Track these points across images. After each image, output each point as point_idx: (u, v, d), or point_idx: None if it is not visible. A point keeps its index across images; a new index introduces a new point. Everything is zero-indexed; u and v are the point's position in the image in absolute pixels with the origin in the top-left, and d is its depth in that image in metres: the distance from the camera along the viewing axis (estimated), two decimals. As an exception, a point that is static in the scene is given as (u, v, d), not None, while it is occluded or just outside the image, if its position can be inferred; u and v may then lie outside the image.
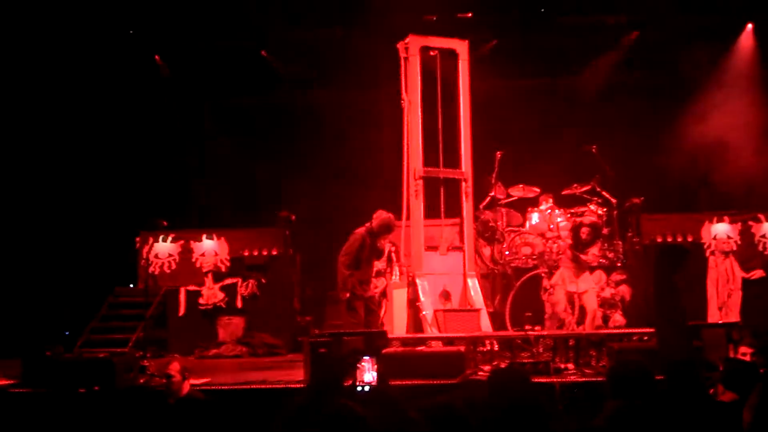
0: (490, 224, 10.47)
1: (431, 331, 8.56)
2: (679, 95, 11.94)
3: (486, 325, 8.91)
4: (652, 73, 12.27)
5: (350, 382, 4.49)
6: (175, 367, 6.07)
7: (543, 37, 12.07)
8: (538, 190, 10.94)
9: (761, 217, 10.84)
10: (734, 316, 9.79)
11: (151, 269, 11.27)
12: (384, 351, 7.40)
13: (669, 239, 10.80)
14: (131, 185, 12.15)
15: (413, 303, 8.98)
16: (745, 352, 6.06)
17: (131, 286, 11.50)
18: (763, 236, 10.79)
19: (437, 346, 8.16)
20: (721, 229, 10.80)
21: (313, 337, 8.07)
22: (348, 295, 8.64)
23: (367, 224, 8.93)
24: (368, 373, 4.34)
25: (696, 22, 11.53)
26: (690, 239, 10.80)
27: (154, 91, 12.54)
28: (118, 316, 10.90)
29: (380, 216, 8.87)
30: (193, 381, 7.15)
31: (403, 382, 6.83)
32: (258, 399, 7.13)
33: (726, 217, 10.86)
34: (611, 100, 12.25)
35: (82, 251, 11.60)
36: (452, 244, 9.58)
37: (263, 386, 7.45)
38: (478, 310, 8.95)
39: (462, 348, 7.70)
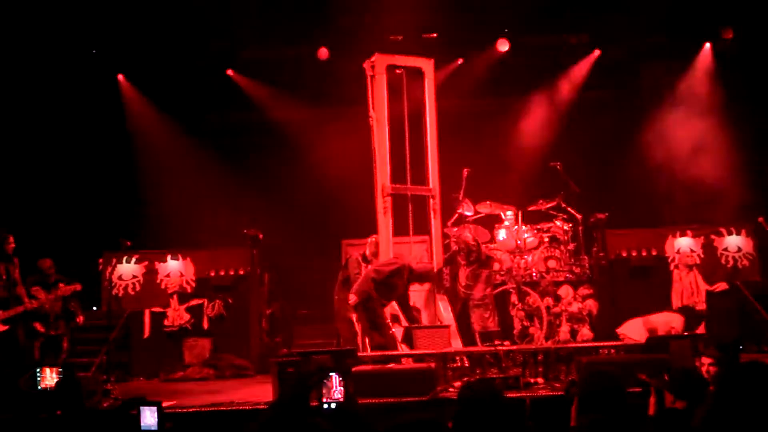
0: (471, 243, 10.14)
1: (401, 349, 8.51)
2: (642, 112, 12.18)
3: (456, 341, 8.89)
4: (615, 91, 12.49)
5: (316, 400, 4.41)
6: None
7: (507, 56, 12.23)
8: (505, 206, 10.98)
9: (723, 230, 11.06)
10: (699, 328, 9.92)
11: (114, 291, 11.04)
12: (354, 369, 7.35)
13: (633, 253, 10.94)
14: (92, 206, 11.92)
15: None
16: (703, 363, 6.15)
17: (94, 308, 11.25)
18: (726, 249, 11.00)
19: (408, 363, 8.11)
20: (684, 243, 10.99)
21: (281, 357, 7.94)
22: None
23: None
24: (335, 391, 4.26)
25: (656, 41, 11.79)
26: (654, 253, 10.97)
27: (116, 110, 12.37)
28: (81, 339, 10.65)
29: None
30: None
31: (374, 400, 6.77)
32: (225, 421, 6.99)
33: (689, 231, 11.05)
34: (575, 117, 12.44)
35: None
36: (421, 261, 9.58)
37: (230, 408, 7.30)
38: (447, 327, 8.93)
39: (432, 365, 7.67)
